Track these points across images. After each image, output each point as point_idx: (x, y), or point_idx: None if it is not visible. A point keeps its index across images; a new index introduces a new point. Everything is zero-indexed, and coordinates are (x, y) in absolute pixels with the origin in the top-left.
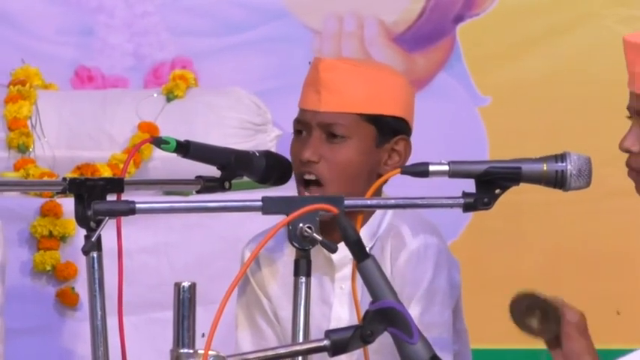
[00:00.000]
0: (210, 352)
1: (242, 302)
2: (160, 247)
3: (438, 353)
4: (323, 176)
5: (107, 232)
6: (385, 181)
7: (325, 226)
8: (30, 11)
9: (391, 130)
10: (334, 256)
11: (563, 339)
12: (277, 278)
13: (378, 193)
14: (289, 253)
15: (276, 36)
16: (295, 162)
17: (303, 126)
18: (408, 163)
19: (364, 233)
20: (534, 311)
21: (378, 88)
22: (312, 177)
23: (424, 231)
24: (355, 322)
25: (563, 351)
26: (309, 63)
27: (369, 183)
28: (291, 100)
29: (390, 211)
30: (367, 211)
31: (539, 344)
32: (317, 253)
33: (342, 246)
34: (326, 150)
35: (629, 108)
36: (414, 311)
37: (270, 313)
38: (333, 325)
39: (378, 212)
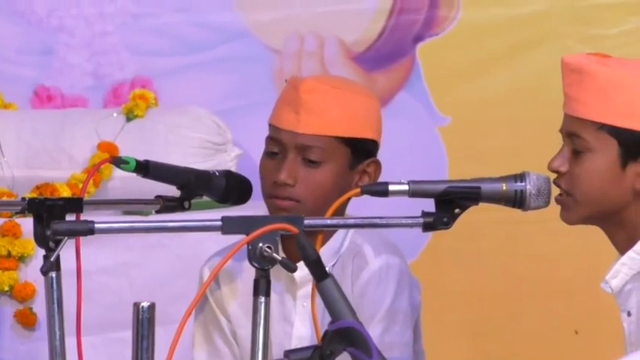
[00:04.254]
0: None
1: (200, 321)
2: (120, 267)
3: None
4: (299, 199)
5: (66, 252)
6: (346, 201)
7: (288, 243)
8: None
9: (365, 152)
10: (296, 274)
11: None
12: (237, 297)
13: (341, 212)
14: (249, 272)
15: (237, 55)
16: (267, 182)
17: (278, 146)
18: None
19: (325, 252)
20: None
21: (355, 111)
22: (285, 202)
23: (386, 251)
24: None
25: None
26: (286, 81)
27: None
28: (251, 119)
29: (352, 230)
30: (328, 231)
31: None
32: (279, 271)
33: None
34: (302, 173)
35: (561, 130)
36: (375, 331)
37: (229, 332)
38: (294, 343)
39: (341, 231)
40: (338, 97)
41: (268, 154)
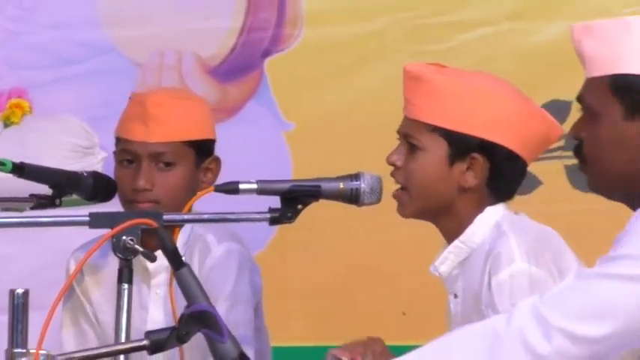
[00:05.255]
0: (41, 352)
1: (67, 306)
2: None
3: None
4: (158, 200)
5: None
6: (199, 198)
7: (146, 237)
8: None
9: (206, 151)
10: (150, 266)
11: None
12: (100, 286)
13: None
14: (112, 263)
15: (104, 69)
16: (126, 189)
17: (131, 156)
18: (220, 181)
19: (177, 243)
20: None
21: (194, 117)
22: (145, 205)
23: (227, 239)
24: (169, 324)
25: None
26: (130, 99)
27: (189, 198)
28: (115, 126)
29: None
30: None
31: (333, 342)
32: (135, 264)
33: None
34: (158, 177)
35: (398, 130)
36: (220, 310)
37: (92, 316)
38: (149, 327)
39: (187, 225)
40: (179, 106)
41: (122, 164)
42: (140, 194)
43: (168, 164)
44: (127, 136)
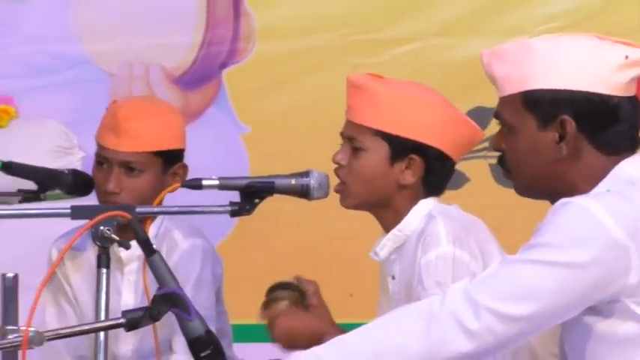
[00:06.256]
0: (30, 329)
1: (50, 288)
2: None
3: None
4: (125, 203)
5: None
6: (167, 193)
7: (120, 229)
8: None
9: (174, 159)
10: (123, 256)
11: (312, 303)
12: (79, 270)
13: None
14: (90, 251)
15: (80, 78)
16: (100, 190)
17: (105, 160)
18: None
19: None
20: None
21: (163, 129)
22: None
23: (192, 235)
24: (139, 306)
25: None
26: (107, 109)
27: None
28: (92, 128)
29: (166, 219)
30: (152, 218)
31: None
32: (110, 253)
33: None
34: (126, 182)
35: (342, 133)
36: None
37: (72, 297)
38: (122, 309)
39: (157, 219)
40: (149, 120)
41: (98, 165)
42: (110, 196)
43: (136, 171)
44: (102, 143)
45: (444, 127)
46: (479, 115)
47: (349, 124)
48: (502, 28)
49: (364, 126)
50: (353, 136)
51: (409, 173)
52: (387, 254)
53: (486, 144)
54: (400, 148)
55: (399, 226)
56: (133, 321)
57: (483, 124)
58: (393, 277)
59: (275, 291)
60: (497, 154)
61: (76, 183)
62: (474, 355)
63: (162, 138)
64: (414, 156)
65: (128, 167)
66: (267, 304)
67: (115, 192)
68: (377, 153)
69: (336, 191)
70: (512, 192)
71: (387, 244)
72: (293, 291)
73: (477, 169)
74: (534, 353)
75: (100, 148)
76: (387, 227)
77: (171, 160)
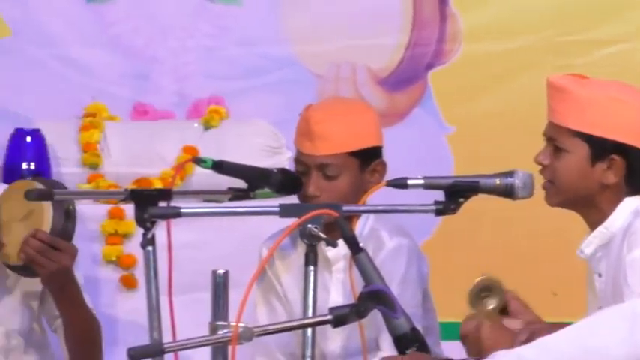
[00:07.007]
0: (240, 324)
1: (260, 287)
2: (200, 243)
3: None
4: None
5: (159, 231)
6: (372, 193)
7: (327, 228)
8: (99, 60)
9: (371, 157)
10: (330, 254)
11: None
12: (289, 269)
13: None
14: (299, 250)
15: (288, 79)
16: (301, 194)
17: (303, 166)
18: (389, 178)
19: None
20: (486, 292)
21: (357, 128)
22: None
23: (398, 234)
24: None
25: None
26: (300, 114)
27: (358, 198)
28: None
29: (371, 218)
30: (357, 217)
31: None
32: (318, 253)
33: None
34: (325, 185)
35: (544, 133)
36: None
37: (282, 295)
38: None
39: (362, 219)
40: (341, 121)
41: (298, 172)
42: (310, 200)
43: (334, 173)
44: (298, 148)
45: None
46: None
47: (550, 124)
48: None
49: (564, 127)
50: (553, 137)
51: (611, 173)
52: (592, 251)
53: None
54: (600, 148)
55: (605, 224)
56: (339, 317)
57: None
58: (600, 275)
59: (482, 292)
60: None
61: (284, 182)
62: None
63: (356, 138)
64: (614, 156)
65: (325, 170)
66: (474, 306)
67: (316, 195)
68: (577, 154)
69: (543, 188)
70: None
71: (592, 241)
72: (497, 294)
73: None
74: None
75: (297, 153)
76: (592, 225)
77: (367, 158)
